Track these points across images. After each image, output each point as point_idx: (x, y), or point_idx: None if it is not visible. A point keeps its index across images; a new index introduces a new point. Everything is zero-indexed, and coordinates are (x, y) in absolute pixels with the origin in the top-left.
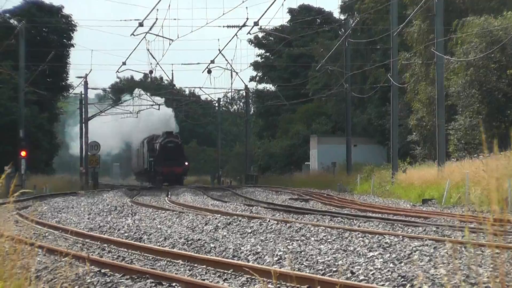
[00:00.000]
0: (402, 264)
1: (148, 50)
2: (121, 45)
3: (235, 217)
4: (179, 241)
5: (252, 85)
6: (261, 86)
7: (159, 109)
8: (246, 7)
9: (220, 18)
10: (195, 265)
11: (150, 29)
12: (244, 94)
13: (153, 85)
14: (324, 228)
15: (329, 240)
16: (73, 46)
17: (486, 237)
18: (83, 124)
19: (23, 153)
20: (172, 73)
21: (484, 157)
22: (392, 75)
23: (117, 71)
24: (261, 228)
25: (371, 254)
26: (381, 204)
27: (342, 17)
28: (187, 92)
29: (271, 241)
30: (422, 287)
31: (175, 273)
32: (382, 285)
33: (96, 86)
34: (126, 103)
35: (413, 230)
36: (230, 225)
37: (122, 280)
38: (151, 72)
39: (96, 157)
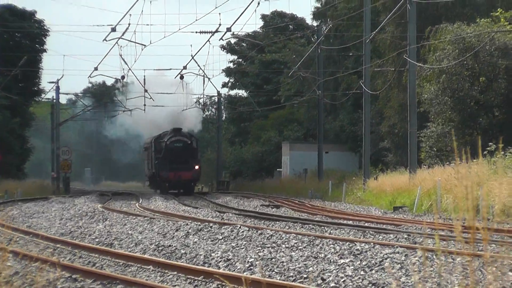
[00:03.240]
0: (373, 271)
1: (120, 55)
2: (94, 50)
3: (206, 223)
4: (150, 247)
5: (224, 91)
6: (233, 92)
7: (131, 115)
8: (219, 13)
9: (192, 24)
10: (166, 271)
11: (123, 34)
12: (216, 100)
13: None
14: (295, 235)
15: (300, 247)
16: (46, 51)
17: (457, 244)
18: (55, 129)
19: None
20: (144, 79)
21: (456, 165)
22: (364, 82)
23: (89, 76)
24: (232, 235)
25: (342, 261)
26: (353, 211)
27: (315, 23)
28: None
29: (242, 248)
30: None
31: (146, 279)
32: None
33: (68, 91)
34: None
35: (384, 237)
36: (201, 231)
37: (93, 286)
38: (123, 77)
39: (67, 162)
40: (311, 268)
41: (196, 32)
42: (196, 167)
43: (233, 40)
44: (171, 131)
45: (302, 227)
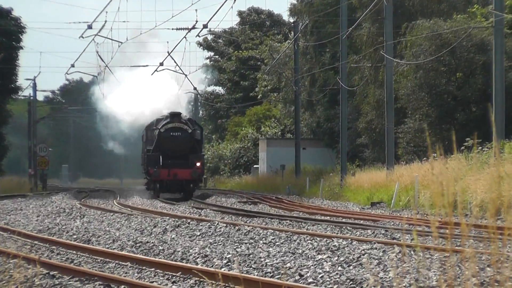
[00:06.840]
0: (351, 267)
1: (97, 52)
2: (70, 47)
3: (184, 219)
4: (127, 244)
5: (201, 88)
6: (210, 89)
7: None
8: (196, 10)
9: (169, 21)
10: (144, 267)
11: (99, 31)
12: (193, 96)
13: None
14: (272, 231)
15: (277, 243)
16: (22, 48)
17: (435, 240)
18: (31, 126)
19: None
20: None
21: (433, 160)
22: (341, 78)
23: (66, 73)
24: (210, 231)
25: (320, 257)
26: (330, 207)
27: (292, 19)
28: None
29: (220, 244)
30: None
31: (124, 276)
32: None
33: (45, 88)
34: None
35: (361, 233)
36: (178, 227)
37: (71, 282)
38: (99, 74)
39: (45, 159)
40: (288, 264)
41: (173, 29)
42: (198, 164)
43: (209, 37)
44: (167, 116)
45: (279, 223)
